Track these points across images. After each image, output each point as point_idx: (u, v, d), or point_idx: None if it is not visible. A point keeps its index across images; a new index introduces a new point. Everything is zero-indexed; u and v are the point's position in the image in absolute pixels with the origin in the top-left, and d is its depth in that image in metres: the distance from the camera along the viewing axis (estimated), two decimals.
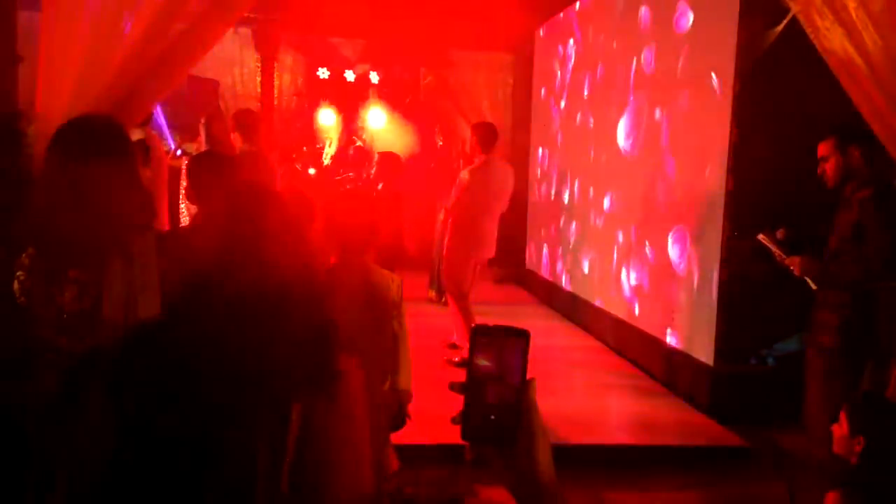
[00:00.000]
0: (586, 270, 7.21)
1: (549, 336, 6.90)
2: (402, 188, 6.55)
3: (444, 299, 7.69)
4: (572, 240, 7.67)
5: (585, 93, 7.42)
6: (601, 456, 4.20)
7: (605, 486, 3.88)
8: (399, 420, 2.69)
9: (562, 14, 8.22)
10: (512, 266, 9.24)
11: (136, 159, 2.04)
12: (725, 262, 4.78)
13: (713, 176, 4.88)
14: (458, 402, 0.85)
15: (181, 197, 5.05)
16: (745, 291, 4.87)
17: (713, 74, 4.89)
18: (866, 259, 3.09)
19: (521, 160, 9.54)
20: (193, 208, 3.43)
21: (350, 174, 7.91)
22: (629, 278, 6.19)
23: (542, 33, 9.08)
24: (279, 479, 1.11)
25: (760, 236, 3.45)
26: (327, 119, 9.79)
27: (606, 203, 6.74)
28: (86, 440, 1.10)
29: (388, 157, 6.62)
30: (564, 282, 7.86)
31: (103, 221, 1.84)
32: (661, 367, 5.47)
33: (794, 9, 2.96)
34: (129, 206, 1.91)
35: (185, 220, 4.94)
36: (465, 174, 5.45)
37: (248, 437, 1.09)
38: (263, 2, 7.16)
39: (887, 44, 2.66)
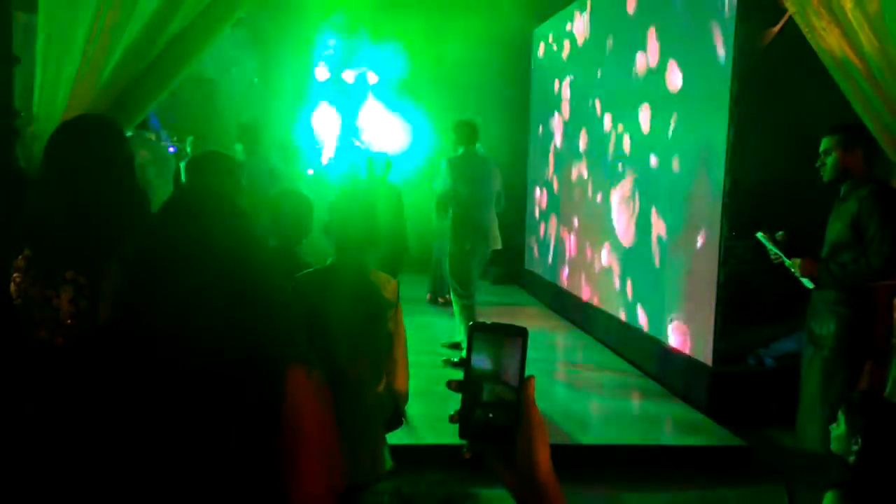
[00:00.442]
0: (585, 270, 7.21)
1: (548, 336, 6.90)
2: (402, 188, 6.56)
3: (440, 298, 7.71)
4: (571, 240, 7.67)
5: (584, 90, 7.42)
6: (599, 456, 4.20)
7: (603, 486, 3.88)
8: (395, 421, 2.68)
9: (559, 12, 8.23)
10: (511, 266, 9.25)
11: (132, 159, 2.03)
12: (723, 263, 4.78)
13: (711, 176, 4.88)
14: (456, 402, 0.84)
15: None
16: (744, 292, 4.88)
17: (711, 75, 4.89)
18: (866, 257, 3.08)
19: (519, 159, 9.55)
20: None
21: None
22: (628, 278, 6.20)
23: (540, 31, 9.08)
24: (223, 485, 1.10)
25: (761, 234, 3.45)
26: (325, 119, 9.78)
27: (606, 202, 6.74)
28: (44, 436, 1.11)
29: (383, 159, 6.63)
30: (564, 282, 7.86)
31: (99, 222, 1.83)
32: (660, 368, 5.47)
33: (791, 9, 2.96)
34: (125, 206, 1.91)
35: None
36: (443, 162, 5.59)
37: (195, 438, 1.09)
38: (261, 1, 7.15)
39: (883, 44, 2.67)
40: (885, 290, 3.12)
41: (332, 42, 9.16)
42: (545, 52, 8.91)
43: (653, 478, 4.02)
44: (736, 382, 4.83)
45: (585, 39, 7.41)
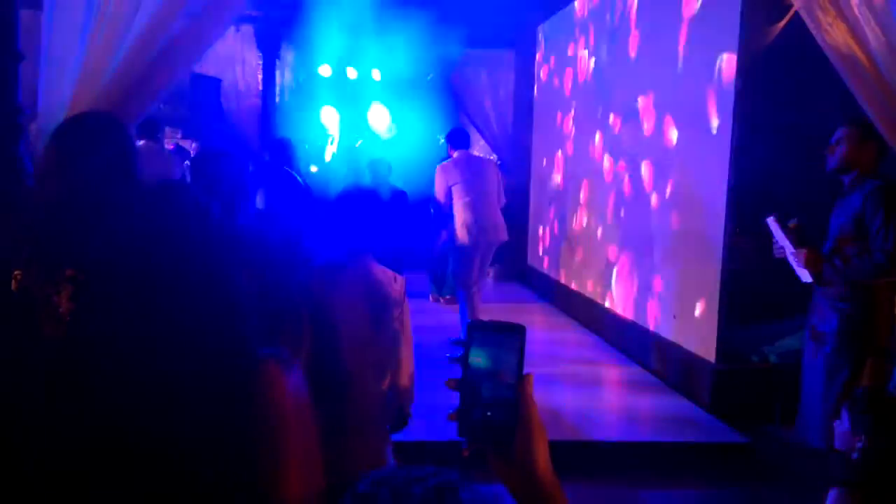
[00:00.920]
0: (588, 267, 7.21)
1: (550, 333, 6.90)
2: (405, 188, 6.56)
3: (442, 299, 7.71)
4: (574, 237, 7.67)
5: (587, 89, 7.40)
6: (601, 452, 4.20)
7: (606, 483, 3.88)
8: (400, 420, 2.68)
9: (564, 10, 8.21)
10: (514, 263, 9.24)
11: (135, 156, 2.03)
12: (727, 259, 4.77)
13: (715, 172, 4.87)
14: (456, 399, 0.84)
15: None
16: (747, 288, 4.86)
17: (715, 70, 4.88)
18: (870, 253, 3.07)
19: (523, 157, 9.55)
20: None
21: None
22: (631, 275, 6.19)
23: (544, 29, 9.06)
24: (198, 489, 1.09)
25: (771, 219, 3.41)
26: (329, 117, 9.78)
27: (609, 200, 6.73)
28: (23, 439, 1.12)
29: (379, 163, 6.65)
30: (566, 279, 7.85)
31: (100, 219, 1.82)
32: (664, 365, 5.47)
33: (797, 4, 2.95)
34: (126, 202, 1.90)
35: None
36: (438, 168, 5.91)
37: (156, 448, 1.09)
38: None
39: (889, 39, 2.65)
40: (888, 287, 3.11)
41: (335, 39, 9.14)
42: (549, 49, 8.89)
43: (655, 474, 4.01)
44: (739, 379, 4.82)
45: (589, 35, 7.40)
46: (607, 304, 6.65)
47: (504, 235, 5.90)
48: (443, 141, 9.11)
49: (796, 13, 3.06)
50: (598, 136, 7.05)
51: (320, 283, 2.48)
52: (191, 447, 1.09)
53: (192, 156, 7.14)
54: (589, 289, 7.15)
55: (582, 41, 7.60)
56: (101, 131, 1.95)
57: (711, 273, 4.87)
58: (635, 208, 6.15)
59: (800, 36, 3.18)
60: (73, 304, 1.81)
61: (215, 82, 9.23)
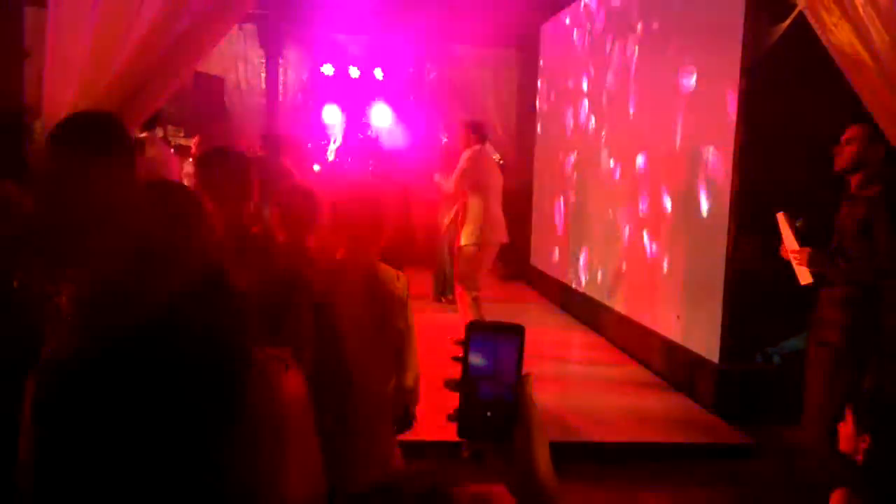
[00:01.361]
0: (592, 267, 7.20)
1: (553, 333, 6.90)
2: (408, 185, 6.56)
3: (443, 298, 7.70)
4: (578, 237, 7.66)
5: (590, 89, 7.40)
6: (605, 452, 4.20)
7: (608, 483, 3.88)
8: (405, 422, 2.66)
9: (567, 9, 8.20)
10: (517, 263, 9.24)
11: (134, 156, 2.03)
12: (731, 260, 4.76)
13: (719, 172, 4.87)
14: (457, 399, 0.84)
15: None
16: (751, 289, 4.86)
17: (720, 69, 4.87)
18: (875, 256, 3.07)
19: (525, 157, 9.54)
20: None
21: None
22: (634, 275, 6.18)
23: (546, 29, 9.06)
24: (198, 490, 1.09)
25: (780, 215, 3.39)
26: (332, 116, 9.78)
27: (611, 199, 6.73)
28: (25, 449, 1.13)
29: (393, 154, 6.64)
30: (570, 279, 7.85)
31: (99, 219, 1.82)
32: (667, 365, 5.46)
33: (801, 4, 2.94)
34: (126, 203, 1.89)
35: None
36: (467, 152, 5.67)
37: (154, 451, 1.09)
38: None
39: (894, 39, 2.65)
40: (892, 289, 3.11)
41: (337, 38, 9.13)
42: (552, 48, 8.88)
43: (658, 474, 4.01)
44: (743, 380, 4.82)
45: (592, 35, 7.39)
46: (610, 304, 6.65)
47: (506, 237, 5.88)
48: (446, 138, 9.12)
49: (801, 13, 3.05)
50: (601, 136, 7.04)
51: (323, 282, 2.47)
52: (188, 448, 1.09)
53: (193, 153, 7.12)
54: (592, 289, 7.14)
55: (585, 40, 7.59)
56: (99, 130, 1.94)
57: (715, 273, 4.87)
58: (639, 208, 6.15)
59: (804, 35, 3.17)
60: (72, 305, 1.81)
61: (218, 81, 9.23)
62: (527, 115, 9.62)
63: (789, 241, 3.33)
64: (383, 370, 2.56)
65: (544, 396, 4.91)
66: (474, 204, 5.65)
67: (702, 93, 5.16)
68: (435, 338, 5.99)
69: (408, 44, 9.20)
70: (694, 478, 4.00)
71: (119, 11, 2.42)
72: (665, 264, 5.64)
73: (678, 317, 5.39)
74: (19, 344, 1.66)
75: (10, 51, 2.55)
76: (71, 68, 2.45)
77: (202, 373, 1.11)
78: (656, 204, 5.79)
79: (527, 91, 9.67)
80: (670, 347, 5.43)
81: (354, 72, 9.81)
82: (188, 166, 5.67)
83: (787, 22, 4.64)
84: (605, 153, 6.94)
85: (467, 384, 0.83)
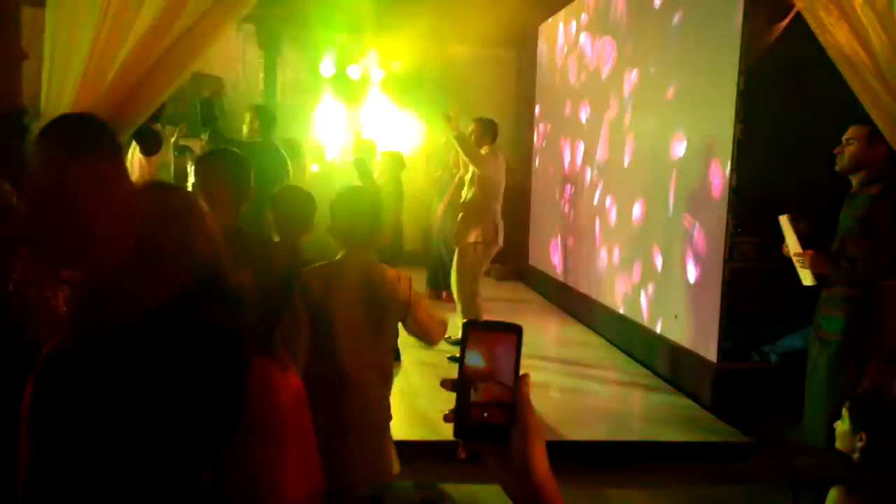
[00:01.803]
0: (589, 267, 7.21)
1: (551, 332, 6.91)
2: (402, 185, 6.54)
3: (447, 292, 7.69)
4: (575, 236, 7.67)
5: (588, 89, 7.40)
6: (604, 452, 4.20)
7: (608, 482, 3.89)
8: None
9: (566, 8, 8.21)
10: (515, 262, 9.25)
11: (122, 157, 2.02)
12: (729, 259, 4.77)
13: (717, 172, 4.87)
14: (453, 399, 0.84)
15: None
16: (749, 288, 4.87)
17: (718, 69, 4.88)
18: (876, 255, 3.07)
19: (524, 156, 9.54)
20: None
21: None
22: (632, 275, 6.19)
23: (545, 28, 9.06)
24: (197, 491, 1.09)
25: (783, 217, 3.39)
26: (330, 116, 9.79)
27: (610, 199, 6.73)
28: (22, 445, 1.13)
29: (391, 156, 6.62)
30: (567, 278, 7.85)
31: (90, 220, 1.81)
32: (665, 364, 5.47)
33: (799, 5, 2.94)
34: (117, 204, 1.88)
35: None
36: (483, 162, 5.53)
37: (154, 450, 1.09)
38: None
39: (892, 40, 2.65)
40: (893, 288, 3.11)
41: (336, 38, 9.13)
42: (551, 47, 8.89)
43: (658, 474, 4.02)
44: (740, 379, 4.83)
45: (590, 34, 7.40)
46: (608, 304, 6.65)
47: (502, 242, 5.82)
48: (445, 139, 9.11)
49: (798, 13, 3.06)
50: (599, 135, 7.05)
51: (320, 283, 2.47)
52: (189, 449, 1.10)
53: (194, 152, 7.11)
54: (590, 288, 7.15)
55: (583, 39, 7.60)
56: (84, 132, 1.94)
57: (713, 273, 4.88)
58: (637, 208, 6.15)
59: (802, 35, 3.18)
60: (71, 306, 1.81)
61: (217, 81, 9.22)
62: (525, 114, 9.62)
63: (792, 244, 3.33)
64: (380, 371, 2.55)
65: (542, 395, 4.93)
66: (486, 205, 5.58)
67: (700, 92, 5.16)
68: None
69: (406, 43, 9.20)
70: (693, 477, 4.00)
71: (118, 12, 2.42)
72: (663, 263, 5.64)
73: (676, 316, 5.40)
74: (17, 345, 1.66)
75: (8, 51, 2.55)
76: (69, 69, 2.44)
77: (201, 373, 1.12)
78: (655, 203, 5.80)
79: (525, 90, 9.67)
80: (669, 347, 5.43)
81: (353, 72, 9.81)
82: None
83: (786, 22, 4.65)
84: (603, 153, 6.94)
85: (464, 385, 0.83)
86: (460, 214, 5.77)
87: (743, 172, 4.67)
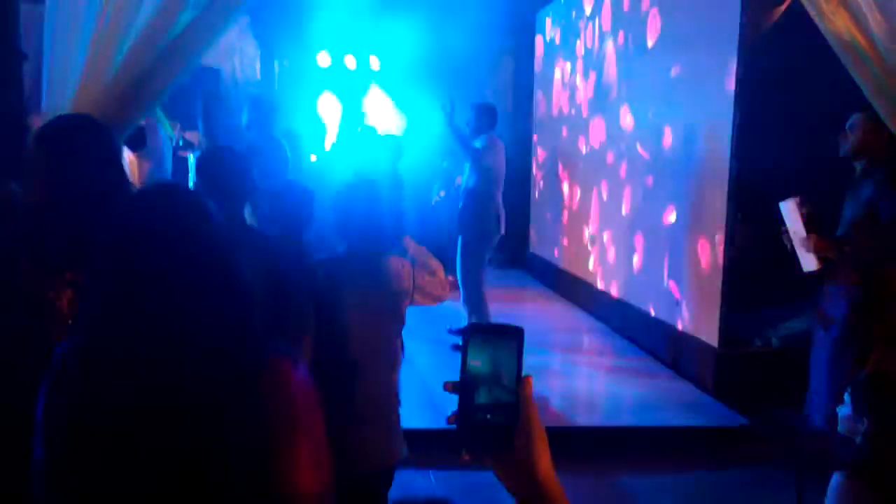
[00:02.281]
0: (590, 254, 7.22)
1: (553, 319, 6.93)
2: (405, 175, 6.53)
3: (449, 278, 7.69)
4: (576, 223, 7.67)
5: (587, 75, 7.38)
6: (607, 438, 4.24)
7: (611, 469, 3.92)
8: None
9: None
10: (515, 250, 9.25)
11: (119, 157, 2.02)
12: (729, 244, 4.78)
13: (718, 159, 4.87)
14: (456, 401, 0.84)
15: None
16: (750, 273, 4.88)
17: (716, 55, 4.87)
18: (880, 240, 3.08)
19: (523, 144, 9.52)
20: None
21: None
22: (633, 261, 6.20)
23: (543, 16, 9.02)
24: (212, 487, 1.11)
25: (791, 200, 3.36)
26: (328, 106, 9.75)
27: (610, 185, 6.73)
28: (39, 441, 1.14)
29: (389, 143, 6.60)
30: (568, 265, 7.87)
31: (90, 222, 1.81)
32: (667, 350, 5.49)
33: None
34: (118, 204, 1.87)
35: None
36: (482, 140, 5.47)
37: (169, 447, 1.11)
38: None
39: (892, 26, 2.65)
40: None
41: (333, 28, 9.08)
42: (550, 34, 8.86)
43: (660, 459, 4.05)
44: (742, 363, 4.85)
45: (589, 21, 7.37)
46: (610, 290, 6.67)
47: (503, 229, 5.80)
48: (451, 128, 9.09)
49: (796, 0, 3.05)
50: (598, 123, 7.04)
51: (325, 277, 2.49)
52: (204, 445, 1.11)
53: (195, 145, 7.08)
54: (591, 275, 7.16)
55: (581, 26, 7.57)
56: (82, 134, 1.94)
57: (714, 258, 4.89)
58: (637, 195, 6.16)
59: (801, 20, 3.17)
60: (76, 307, 1.82)
61: (213, 73, 9.19)
62: (524, 101, 9.59)
63: (797, 227, 3.32)
64: (388, 357, 2.59)
65: (545, 383, 4.95)
66: (485, 197, 5.52)
67: (699, 78, 5.15)
68: (436, 326, 5.98)
69: (403, 32, 9.15)
70: (696, 462, 4.03)
71: (118, 8, 2.41)
72: (664, 249, 5.65)
73: (677, 302, 5.42)
74: (25, 347, 1.67)
75: (8, 51, 2.55)
76: (70, 68, 2.44)
77: (215, 369, 1.13)
78: (655, 190, 5.80)
79: (524, 77, 9.64)
80: (670, 332, 5.45)
81: (351, 62, 9.76)
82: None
83: (784, 6, 4.63)
84: (602, 139, 6.93)
85: (467, 387, 0.83)
86: (461, 203, 5.75)
87: (743, 158, 4.67)
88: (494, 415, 0.82)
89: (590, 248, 7.21)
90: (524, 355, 0.83)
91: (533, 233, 9.32)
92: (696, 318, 5.16)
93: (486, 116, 5.56)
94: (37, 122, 2.50)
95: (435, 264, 2.76)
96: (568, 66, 8.02)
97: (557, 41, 8.44)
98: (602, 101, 6.94)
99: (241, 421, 1.13)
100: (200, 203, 1.26)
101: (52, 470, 1.14)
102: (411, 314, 2.68)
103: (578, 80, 7.65)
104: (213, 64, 8.97)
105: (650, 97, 5.91)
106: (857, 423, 2.36)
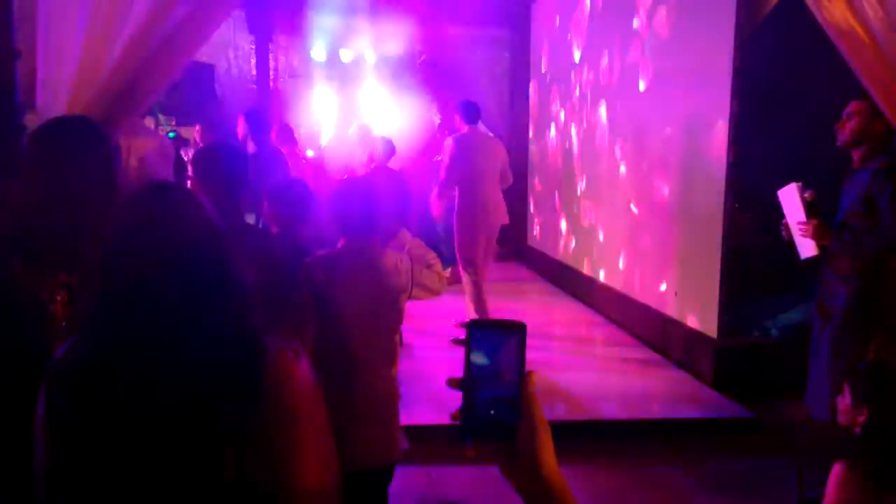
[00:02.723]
0: (589, 246, 7.22)
1: (552, 312, 6.93)
2: (402, 169, 6.53)
3: (446, 273, 7.71)
4: (574, 215, 7.67)
5: (584, 66, 7.36)
6: (606, 430, 4.24)
7: (611, 460, 3.92)
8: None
9: None
10: (515, 243, 9.25)
11: (114, 159, 2.01)
12: (727, 235, 4.78)
13: (715, 148, 4.86)
14: (460, 397, 0.84)
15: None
16: (748, 263, 4.89)
17: (714, 44, 4.85)
18: (880, 229, 3.08)
19: (520, 136, 9.51)
20: None
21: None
22: (632, 252, 6.20)
23: (539, 6, 8.99)
24: (219, 481, 1.10)
25: (793, 186, 3.34)
26: (324, 100, 9.73)
27: (608, 178, 6.73)
28: (38, 449, 1.14)
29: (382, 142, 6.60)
30: (567, 258, 7.87)
31: (84, 224, 1.80)
32: (666, 342, 5.50)
33: None
34: (114, 205, 1.86)
35: None
36: (449, 140, 5.72)
37: (174, 445, 1.10)
38: None
39: (888, 14, 2.64)
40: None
41: (327, 22, 9.03)
42: (544, 26, 8.83)
43: (660, 450, 4.05)
44: (742, 354, 4.86)
45: (584, 10, 7.34)
46: (608, 283, 6.67)
47: (505, 218, 5.87)
48: (439, 121, 9.10)
49: None
50: (596, 113, 7.03)
51: (323, 273, 2.49)
52: (207, 442, 1.11)
53: (190, 141, 7.07)
54: (589, 267, 7.16)
55: (577, 14, 7.54)
56: (78, 135, 1.93)
57: (712, 249, 4.89)
58: (635, 185, 6.15)
59: (798, 8, 3.16)
60: (70, 310, 1.81)
61: (208, 68, 9.16)
62: (520, 93, 9.57)
63: (797, 213, 3.31)
64: (387, 352, 2.59)
65: (544, 375, 4.95)
66: (464, 186, 5.63)
67: (696, 68, 5.14)
68: (438, 320, 5.97)
69: (399, 25, 9.13)
70: (696, 453, 4.04)
71: (111, 6, 2.40)
72: (662, 241, 5.65)
73: (676, 294, 5.42)
74: (20, 350, 1.66)
75: (1, 49, 2.53)
76: (65, 65, 2.43)
77: (219, 367, 1.13)
78: (653, 181, 5.79)
79: (520, 69, 9.61)
80: (669, 324, 5.46)
81: (346, 55, 9.74)
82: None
83: None
84: (600, 130, 6.92)
85: (470, 383, 0.83)
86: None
87: (741, 148, 4.66)
88: (498, 410, 0.83)
89: (589, 240, 7.21)
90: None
91: (530, 225, 9.31)
92: (695, 309, 5.16)
93: (465, 112, 5.73)
94: (31, 121, 2.49)
95: (432, 258, 2.76)
96: (564, 54, 7.99)
97: (553, 30, 8.41)
98: (598, 91, 6.92)
99: (244, 416, 1.13)
100: (196, 201, 1.26)
101: (54, 471, 1.13)
102: (417, 309, 2.67)
103: (573, 70, 7.63)
104: (207, 59, 8.94)
105: (647, 86, 5.89)
106: (856, 413, 2.36)
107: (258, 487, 1.13)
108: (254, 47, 9.47)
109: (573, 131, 7.68)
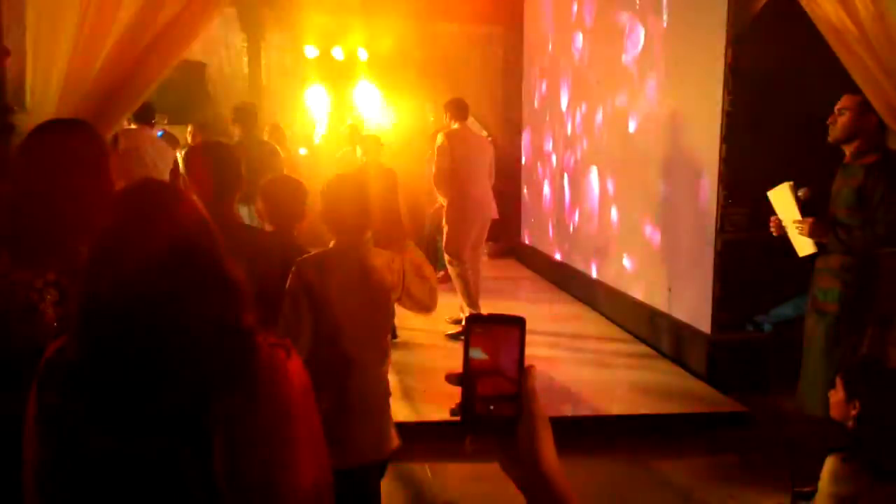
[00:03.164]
0: (583, 243, 7.23)
1: (545, 308, 6.93)
2: (395, 166, 6.52)
3: (438, 273, 7.73)
4: (567, 212, 7.68)
5: (577, 62, 7.37)
6: (599, 426, 4.25)
7: (604, 456, 3.93)
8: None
9: None
10: (508, 240, 9.26)
11: (108, 160, 2.00)
12: (720, 230, 4.80)
13: (706, 144, 4.88)
14: (459, 393, 0.83)
15: None
16: (741, 258, 4.90)
17: (707, 39, 4.86)
18: (873, 224, 3.09)
19: (513, 133, 9.51)
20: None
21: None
22: (625, 248, 6.21)
23: (532, 3, 8.98)
24: (211, 480, 1.10)
25: (787, 185, 3.34)
26: (316, 98, 9.71)
27: (601, 174, 6.73)
28: (27, 446, 1.13)
29: (369, 139, 6.61)
30: (560, 255, 7.88)
31: (75, 222, 1.79)
32: (659, 336, 5.51)
33: None
34: (101, 206, 1.85)
35: None
36: (441, 137, 5.78)
37: (167, 443, 1.10)
38: None
39: (879, 10, 2.65)
40: (890, 257, 3.14)
41: (320, 19, 9.02)
42: (537, 23, 8.83)
43: (653, 446, 4.07)
44: (735, 349, 4.88)
45: (576, 7, 7.34)
46: (601, 278, 6.68)
47: (495, 213, 5.92)
48: (433, 118, 9.09)
49: None
50: (589, 109, 7.03)
51: (315, 271, 2.48)
52: (199, 439, 1.11)
53: (186, 141, 7.05)
54: (582, 263, 7.18)
55: (569, 12, 7.54)
56: (71, 136, 1.92)
57: (705, 244, 4.90)
58: (628, 181, 6.16)
59: (789, 4, 3.17)
60: (61, 309, 1.80)
61: (200, 67, 9.13)
62: (513, 90, 9.57)
63: (791, 211, 3.32)
64: (379, 350, 2.59)
65: (539, 371, 4.93)
66: (455, 179, 5.67)
67: (690, 62, 5.15)
68: (434, 317, 5.98)
69: (391, 23, 9.11)
70: (689, 447, 4.05)
71: (101, 5, 2.38)
72: (656, 237, 5.66)
73: (670, 289, 5.43)
74: (13, 350, 1.66)
75: None
76: (54, 65, 2.41)
77: (211, 363, 1.13)
78: (646, 177, 5.80)
79: (513, 67, 9.61)
80: (662, 319, 5.47)
81: (338, 53, 9.71)
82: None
83: None
84: (593, 126, 6.93)
85: (469, 379, 0.83)
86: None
87: (732, 143, 4.67)
88: (497, 405, 0.82)
89: (583, 236, 7.22)
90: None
91: (524, 222, 9.32)
92: (689, 305, 5.17)
93: (453, 110, 5.80)
94: (20, 121, 2.48)
95: (428, 272, 2.74)
96: (556, 51, 7.99)
97: (546, 27, 8.41)
98: (590, 88, 6.93)
99: (236, 413, 1.12)
100: (187, 198, 1.26)
101: (44, 471, 1.13)
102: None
103: (567, 66, 7.63)
104: (199, 58, 8.90)
105: (640, 83, 5.90)
106: (848, 407, 2.38)
107: (251, 485, 1.12)
108: (246, 45, 9.44)
109: (567, 128, 7.69)
